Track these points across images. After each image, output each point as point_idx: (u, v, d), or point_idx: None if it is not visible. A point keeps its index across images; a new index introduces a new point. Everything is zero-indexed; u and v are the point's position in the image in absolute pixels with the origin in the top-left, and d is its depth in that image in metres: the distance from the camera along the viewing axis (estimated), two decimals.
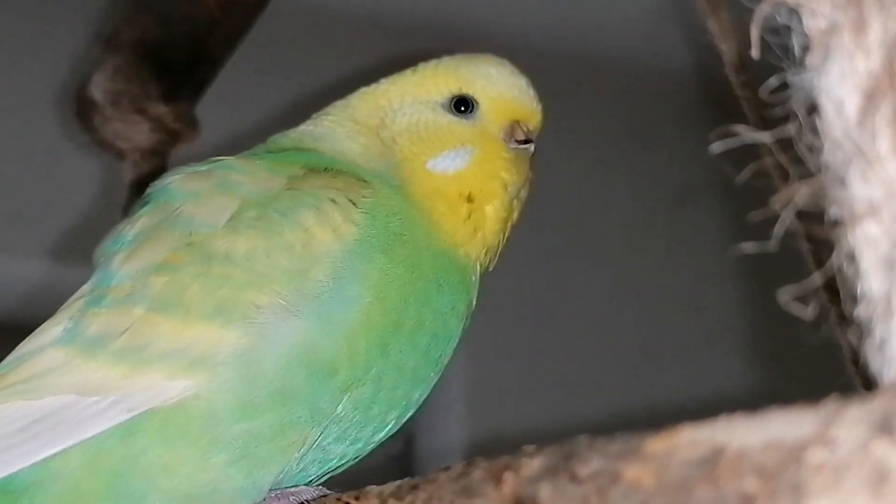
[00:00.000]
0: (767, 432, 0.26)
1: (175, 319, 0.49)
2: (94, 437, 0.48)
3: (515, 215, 0.58)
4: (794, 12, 0.31)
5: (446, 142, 0.56)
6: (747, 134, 0.30)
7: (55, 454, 0.48)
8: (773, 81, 0.31)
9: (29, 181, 1.31)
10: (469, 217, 0.55)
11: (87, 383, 0.49)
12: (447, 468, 0.38)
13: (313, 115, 0.60)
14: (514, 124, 0.58)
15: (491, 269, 0.58)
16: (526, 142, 0.58)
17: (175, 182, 0.54)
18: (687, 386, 1.57)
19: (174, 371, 0.48)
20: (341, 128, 0.58)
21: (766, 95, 0.31)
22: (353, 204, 0.51)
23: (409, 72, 0.59)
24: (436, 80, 0.58)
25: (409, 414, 0.55)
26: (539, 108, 0.59)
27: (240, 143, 0.59)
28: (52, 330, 0.51)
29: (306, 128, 0.59)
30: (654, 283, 1.68)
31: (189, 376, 0.48)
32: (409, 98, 0.58)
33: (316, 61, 1.40)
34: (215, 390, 0.48)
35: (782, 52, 0.32)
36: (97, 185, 1.20)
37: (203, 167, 0.54)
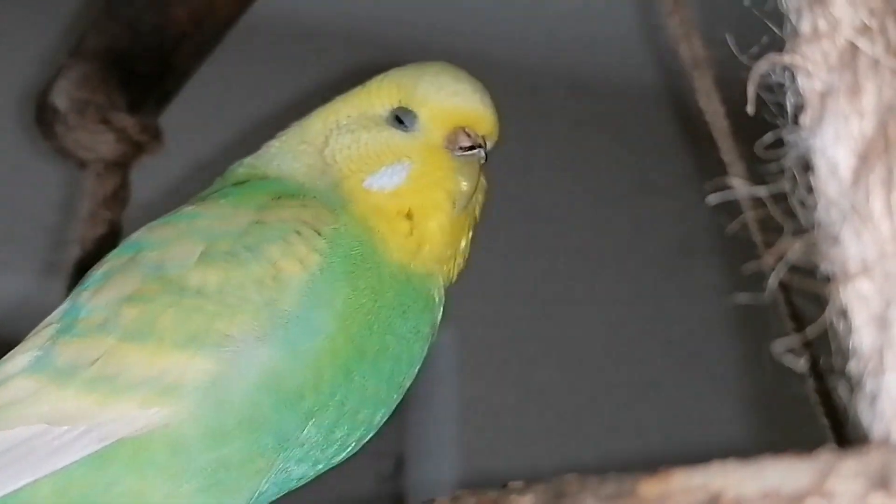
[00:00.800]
0: (764, 481, 0.27)
1: (147, 348, 0.49)
2: (65, 466, 0.48)
3: (471, 222, 0.57)
4: (790, 71, 0.33)
5: (384, 158, 0.55)
6: (742, 188, 0.31)
7: (25, 484, 0.47)
8: (768, 137, 0.32)
9: None
10: (411, 233, 0.54)
11: (57, 412, 0.49)
12: (432, 500, 0.39)
13: (276, 135, 0.60)
14: (458, 131, 0.55)
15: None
16: (472, 147, 0.55)
17: (140, 234, 0.54)
18: (680, 432, 1.59)
19: (146, 400, 0.48)
20: (290, 149, 0.58)
21: (761, 151, 0.32)
22: (318, 233, 0.52)
23: (358, 88, 0.59)
24: (379, 94, 0.58)
25: (370, 435, 0.55)
26: (489, 111, 0.56)
27: (204, 157, 0.60)
28: (20, 358, 0.50)
29: (262, 152, 0.59)
30: (651, 327, 1.69)
31: (160, 405, 0.48)
32: (355, 114, 0.57)
33: (286, 75, 1.40)
34: (185, 419, 0.48)
35: (777, 109, 0.33)
36: (60, 193, 1.18)
37: (168, 218, 0.55)
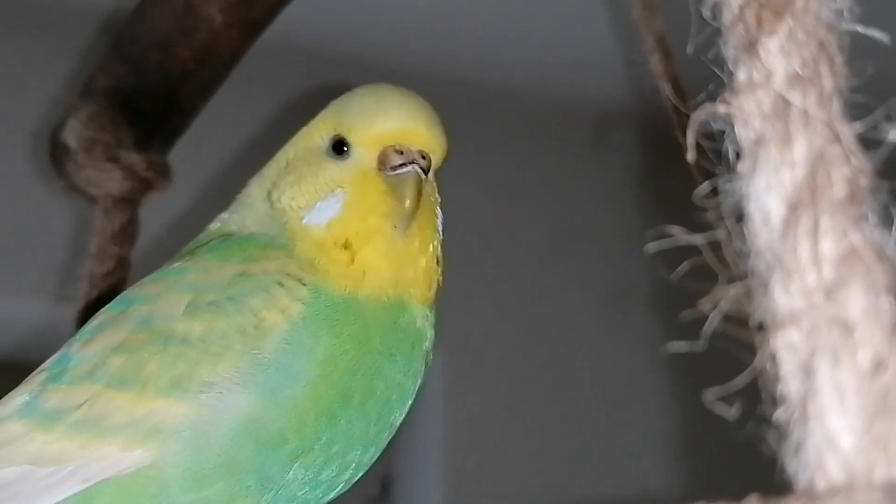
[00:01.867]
0: None
1: (132, 393, 0.51)
2: None
3: (428, 238, 0.56)
4: (728, 121, 0.33)
5: (319, 190, 0.55)
6: (681, 235, 0.32)
7: None
8: (705, 187, 0.32)
9: (3, 222, 1.31)
10: (352, 262, 0.54)
11: (43, 454, 0.50)
12: None
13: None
14: (388, 150, 0.55)
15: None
16: (404, 165, 0.54)
17: (132, 290, 0.56)
18: (618, 482, 1.59)
19: (129, 442, 0.50)
20: (247, 198, 0.59)
21: (699, 200, 0.32)
22: (301, 283, 0.53)
23: (315, 119, 0.59)
24: (319, 126, 0.58)
25: (360, 474, 0.56)
26: (419, 125, 0.55)
27: (213, 192, 0.61)
28: (13, 402, 0.52)
29: (237, 200, 0.61)
30: (586, 378, 1.70)
31: (143, 447, 0.50)
32: (301, 149, 0.58)
33: (297, 106, 1.42)
34: (167, 461, 0.50)
35: (716, 157, 0.33)
36: (71, 226, 1.21)
37: (158, 274, 0.56)
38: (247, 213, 0.59)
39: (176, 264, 0.57)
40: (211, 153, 1.30)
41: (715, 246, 0.32)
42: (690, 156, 0.33)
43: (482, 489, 1.46)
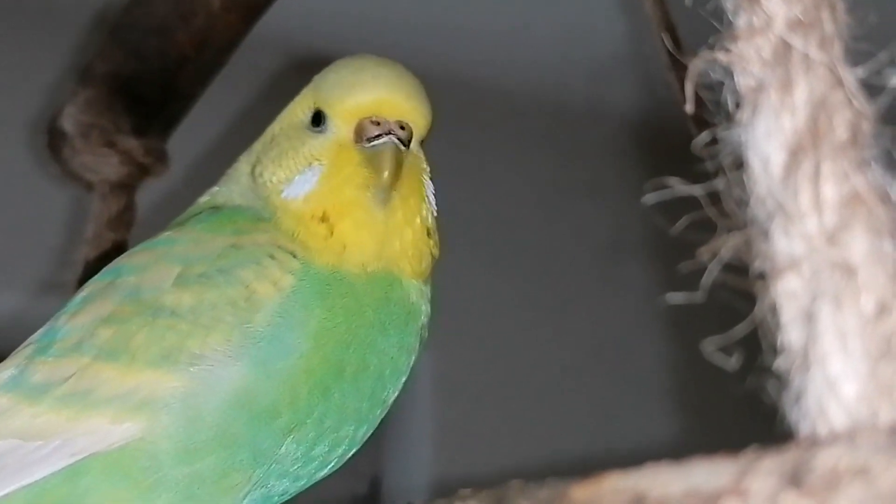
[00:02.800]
0: (688, 481, 0.27)
1: (121, 365, 0.50)
2: (37, 479, 0.49)
3: (415, 209, 0.54)
4: (727, 70, 0.32)
5: (297, 164, 0.55)
6: (679, 186, 0.31)
7: None
8: (704, 136, 0.31)
9: None
10: (331, 234, 0.53)
11: (30, 428, 0.49)
12: None
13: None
14: (364, 122, 0.53)
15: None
16: (379, 136, 0.53)
17: (120, 261, 0.55)
18: (617, 434, 1.57)
19: (118, 415, 0.49)
20: (235, 171, 0.59)
21: (699, 149, 0.31)
22: (293, 255, 0.52)
23: (301, 92, 0.58)
24: (301, 101, 0.57)
25: (353, 451, 0.55)
26: (397, 95, 0.54)
27: (211, 179, 0.61)
28: None
29: (227, 173, 0.60)
30: (584, 330, 1.69)
31: (133, 420, 0.49)
32: (286, 123, 0.57)
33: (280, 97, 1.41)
34: (158, 434, 0.49)
35: (715, 107, 0.33)
36: (67, 215, 1.20)
37: (146, 245, 0.56)
38: (233, 187, 0.58)
39: (164, 234, 0.56)
40: (209, 140, 1.29)
41: (714, 197, 0.31)
42: (689, 107, 0.32)
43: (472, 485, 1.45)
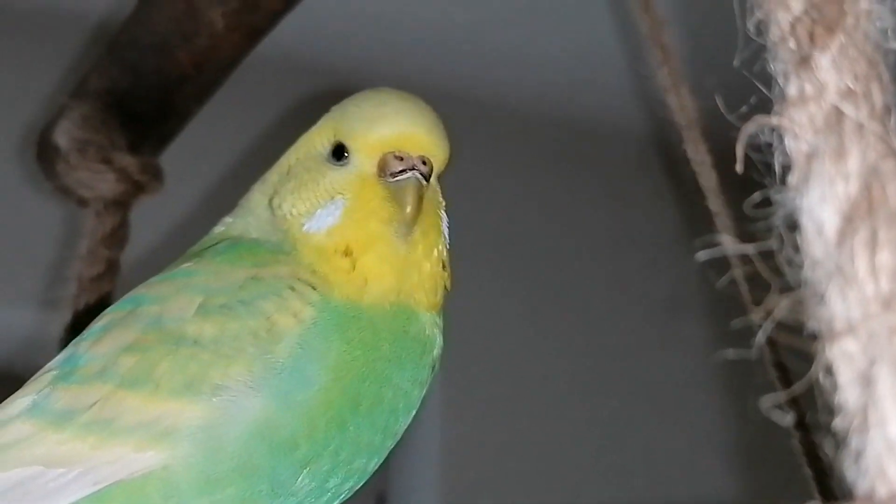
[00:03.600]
0: None
1: (144, 394, 0.50)
2: None
3: (433, 243, 0.55)
4: (778, 133, 0.33)
5: (319, 197, 0.55)
6: (731, 245, 0.32)
7: None
8: (756, 196, 0.33)
9: None
10: (353, 269, 0.53)
11: (53, 455, 0.49)
12: None
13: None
14: (387, 157, 0.54)
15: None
16: (403, 171, 0.53)
17: (140, 290, 0.55)
18: (668, 489, 1.57)
19: (141, 444, 0.49)
20: (249, 203, 0.59)
21: (750, 209, 0.32)
22: (313, 288, 0.53)
23: (318, 123, 0.58)
24: (321, 132, 0.57)
25: (363, 482, 0.56)
26: (419, 130, 0.54)
27: (205, 197, 0.61)
28: (19, 402, 0.51)
29: (241, 203, 0.60)
30: (639, 382, 1.68)
31: (155, 449, 0.49)
32: (303, 154, 0.58)
33: (290, 114, 1.41)
34: (180, 463, 0.49)
35: (764, 168, 0.34)
36: (60, 232, 1.19)
37: (166, 275, 0.56)
38: (249, 219, 0.58)
39: (184, 265, 0.56)
40: (202, 160, 1.29)
41: (765, 256, 0.32)
42: (739, 167, 0.34)
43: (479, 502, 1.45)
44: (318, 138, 0.58)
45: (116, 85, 0.90)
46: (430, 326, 0.56)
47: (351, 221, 0.54)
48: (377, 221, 0.54)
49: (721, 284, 0.31)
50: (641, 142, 1.71)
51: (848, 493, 0.28)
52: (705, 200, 0.71)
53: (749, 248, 0.32)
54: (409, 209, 0.53)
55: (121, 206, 0.88)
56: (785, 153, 0.33)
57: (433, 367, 0.57)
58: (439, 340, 0.57)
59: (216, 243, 0.58)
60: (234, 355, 0.51)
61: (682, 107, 0.76)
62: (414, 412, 0.57)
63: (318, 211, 0.55)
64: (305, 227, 0.55)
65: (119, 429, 0.50)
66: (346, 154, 0.56)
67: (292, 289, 0.53)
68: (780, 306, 0.30)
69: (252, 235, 0.57)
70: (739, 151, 0.33)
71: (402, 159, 0.54)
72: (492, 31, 1.51)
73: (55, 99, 0.97)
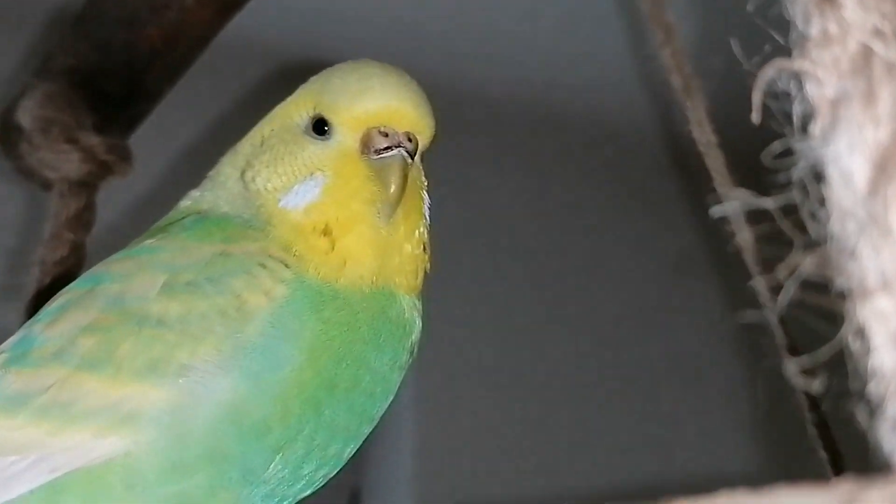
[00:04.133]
0: None
1: (104, 377, 0.47)
2: (13, 498, 0.46)
3: (414, 224, 0.53)
4: (797, 79, 0.31)
5: (297, 172, 0.52)
6: (749, 199, 0.30)
7: None
8: (776, 147, 0.30)
9: None
10: (332, 249, 0.51)
11: (5, 442, 0.46)
12: None
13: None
14: (371, 132, 0.51)
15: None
16: (388, 148, 0.51)
17: (99, 268, 0.52)
18: (678, 465, 1.54)
19: (102, 429, 0.46)
20: (223, 175, 0.56)
21: (769, 161, 0.30)
22: (285, 265, 0.50)
23: (295, 93, 0.56)
24: (297, 103, 0.54)
25: (338, 469, 0.53)
26: (406, 105, 0.52)
27: (171, 178, 0.58)
28: None
29: (209, 177, 0.57)
30: (647, 350, 1.64)
31: (117, 434, 0.46)
32: (277, 126, 0.54)
33: (256, 97, 1.38)
34: (144, 449, 0.46)
35: (783, 118, 0.31)
36: (21, 216, 1.15)
37: (127, 252, 0.53)
38: (219, 192, 0.55)
39: (147, 242, 0.53)
40: (169, 140, 1.25)
41: (786, 212, 0.30)
42: (756, 116, 0.31)
43: (453, 502, 1.42)
44: (295, 109, 0.54)
45: (83, 62, 0.87)
46: (410, 309, 0.54)
47: (331, 199, 0.51)
48: (359, 201, 0.51)
49: (741, 242, 0.29)
50: (646, 128, 1.67)
51: (884, 464, 0.25)
52: (713, 184, 0.69)
53: (768, 203, 0.30)
54: (393, 189, 0.51)
55: (86, 187, 0.85)
56: (806, 100, 0.30)
57: (412, 351, 0.54)
58: (418, 324, 0.54)
59: (182, 218, 0.54)
60: (202, 335, 0.48)
61: (685, 87, 0.74)
62: (392, 397, 0.54)
63: (296, 186, 0.52)
64: (282, 203, 0.52)
65: (78, 413, 0.46)
66: (326, 128, 0.53)
67: (263, 266, 0.50)
68: (805, 263, 0.28)
69: (222, 210, 0.54)
70: (756, 99, 0.31)
71: (387, 135, 0.51)
72: (495, 28, 1.48)
73: (18, 78, 0.93)
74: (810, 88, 0.30)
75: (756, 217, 0.30)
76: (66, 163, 0.83)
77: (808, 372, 0.27)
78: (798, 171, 0.29)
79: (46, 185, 0.87)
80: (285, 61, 1.36)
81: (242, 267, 0.49)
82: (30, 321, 0.51)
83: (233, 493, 0.48)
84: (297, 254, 0.50)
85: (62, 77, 0.86)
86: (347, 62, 0.55)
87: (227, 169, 0.56)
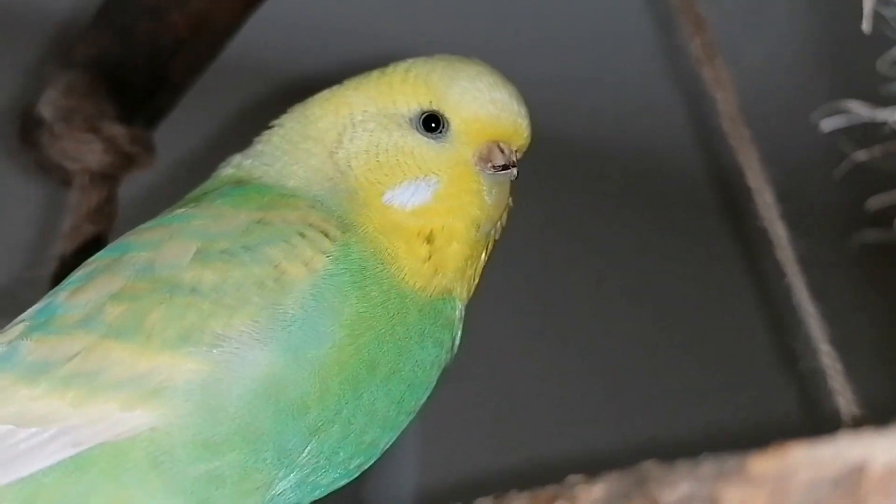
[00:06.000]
0: None
1: (133, 346, 0.44)
2: (33, 472, 0.42)
3: (490, 246, 0.52)
4: None
5: (407, 170, 0.50)
6: (862, 111, 0.26)
7: None
8: (893, 54, 0.27)
9: None
10: (429, 258, 0.49)
11: (26, 412, 0.43)
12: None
13: (272, 124, 0.54)
14: (492, 146, 0.50)
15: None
16: (505, 167, 0.50)
17: (128, 237, 0.49)
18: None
19: (129, 401, 0.43)
20: (289, 145, 0.52)
21: (887, 68, 0.27)
22: (326, 236, 0.47)
23: (375, 74, 0.52)
24: (404, 90, 0.51)
25: (373, 461, 0.50)
26: (525, 123, 0.51)
27: (194, 170, 0.55)
28: None
29: (254, 148, 0.53)
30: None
31: (145, 407, 0.43)
32: (373, 109, 0.51)
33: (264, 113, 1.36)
34: (174, 424, 0.43)
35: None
36: (40, 211, 1.13)
37: (159, 220, 0.50)
38: (286, 163, 0.51)
39: (179, 210, 0.50)
40: (192, 136, 1.23)
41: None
42: (866, 25, 0.28)
43: (457, 481, 1.39)
44: (400, 95, 0.51)
45: (106, 53, 0.84)
46: (459, 313, 0.51)
47: (442, 207, 0.49)
48: (468, 214, 0.50)
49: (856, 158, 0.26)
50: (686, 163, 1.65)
51: None
52: (745, 175, 0.66)
53: (885, 114, 0.26)
54: (499, 208, 0.50)
55: (108, 179, 0.82)
56: None
57: (452, 352, 0.52)
58: (460, 332, 0.52)
59: (222, 186, 0.51)
60: (238, 305, 0.45)
61: (717, 80, 0.71)
62: (429, 393, 0.51)
63: (406, 184, 0.50)
64: (386, 198, 0.49)
65: (103, 384, 0.43)
66: (440, 127, 0.50)
67: (302, 235, 0.47)
68: None
69: (288, 183, 0.50)
70: (867, 6, 0.28)
71: (503, 152, 0.50)
72: (530, 55, 1.46)
73: (37, 72, 0.91)
74: None
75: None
76: (87, 153, 0.81)
77: None
78: None
79: (66, 180, 0.84)
80: (276, 77, 1.35)
81: (281, 235, 0.46)
82: (53, 290, 0.48)
83: (266, 475, 0.45)
84: (390, 253, 0.48)
85: (85, 68, 0.84)
86: (465, 61, 0.52)
87: (300, 140, 0.52)
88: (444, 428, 1.43)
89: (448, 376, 0.53)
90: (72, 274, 0.49)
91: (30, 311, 0.48)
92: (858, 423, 0.22)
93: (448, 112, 0.50)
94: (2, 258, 1.17)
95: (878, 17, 0.28)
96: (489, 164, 0.50)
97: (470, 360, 0.57)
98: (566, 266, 1.66)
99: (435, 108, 0.50)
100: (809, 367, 0.54)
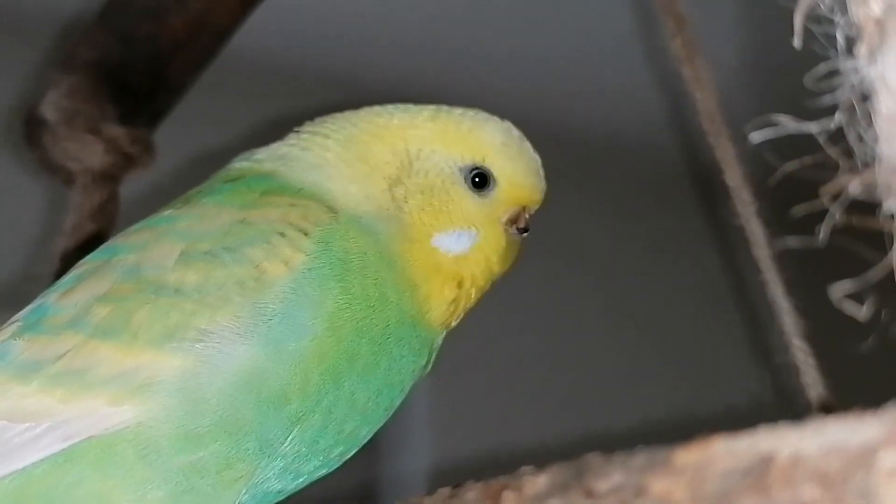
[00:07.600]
0: (825, 438, 0.23)
1: (120, 344, 0.46)
2: (25, 465, 0.45)
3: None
4: (839, 2, 0.29)
5: (455, 219, 0.53)
6: (790, 124, 0.28)
7: None
8: (822, 69, 0.28)
9: None
10: (453, 301, 0.53)
11: (18, 409, 0.45)
12: (433, 493, 0.35)
13: (302, 128, 0.55)
14: (521, 211, 0.55)
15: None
16: (525, 230, 0.55)
17: (116, 240, 0.52)
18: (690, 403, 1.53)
19: (117, 396, 0.45)
20: (341, 162, 0.53)
21: (812, 83, 0.28)
22: (304, 234, 0.49)
23: (427, 114, 0.55)
24: (458, 141, 0.54)
25: (354, 451, 0.52)
26: (544, 188, 0.56)
27: (194, 170, 0.57)
28: None
29: (283, 147, 0.55)
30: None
31: (132, 402, 0.45)
32: (429, 152, 0.54)
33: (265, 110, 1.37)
34: (158, 417, 0.45)
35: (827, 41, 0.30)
36: (42, 210, 1.15)
37: (146, 223, 0.52)
38: (334, 177, 0.52)
39: (167, 211, 0.52)
40: (191, 136, 1.25)
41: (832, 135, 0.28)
42: (797, 42, 0.29)
43: (469, 459, 1.40)
44: (455, 145, 0.54)
45: (107, 55, 0.86)
46: (439, 339, 0.55)
47: (476, 258, 0.54)
48: (491, 268, 0.54)
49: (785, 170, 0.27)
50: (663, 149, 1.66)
51: None
52: (724, 172, 0.68)
53: (812, 127, 0.28)
54: (509, 265, 0.55)
55: (110, 178, 0.84)
56: (849, 23, 0.29)
57: (427, 368, 0.54)
58: (435, 355, 0.55)
59: (216, 182, 0.53)
60: (220, 304, 0.47)
61: (697, 78, 0.73)
62: (402, 397, 0.53)
63: (454, 232, 0.53)
64: (435, 242, 0.53)
65: (92, 381, 0.45)
66: (486, 186, 0.54)
67: (282, 234, 0.49)
68: (853, 185, 0.26)
69: (335, 202, 0.51)
70: (797, 22, 0.29)
71: (526, 219, 0.56)
72: (500, 35, 1.47)
73: (40, 74, 0.93)
74: (854, 10, 0.29)
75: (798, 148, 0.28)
76: (89, 154, 0.83)
77: (856, 297, 0.25)
78: (843, 93, 0.28)
79: (69, 179, 0.86)
80: (275, 77, 1.36)
81: (262, 236, 0.48)
82: (44, 292, 0.50)
83: (249, 464, 0.47)
84: (425, 291, 0.52)
85: (86, 70, 0.86)
86: (508, 126, 0.56)
87: (353, 160, 0.53)
88: (456, 409, 1.45)
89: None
90: (65, 275, 0.51)
91: (24, 311, 0.50)
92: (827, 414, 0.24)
93: (496, 173, 0.54)
94: (5, 255, 1.19)
95: (808, 33, 0.30)
96: (514, 227, 0.55)
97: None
98: (538, 258, 1.67)
99: (486, 166, 0.54)
100: (783, 361, 0.55)
